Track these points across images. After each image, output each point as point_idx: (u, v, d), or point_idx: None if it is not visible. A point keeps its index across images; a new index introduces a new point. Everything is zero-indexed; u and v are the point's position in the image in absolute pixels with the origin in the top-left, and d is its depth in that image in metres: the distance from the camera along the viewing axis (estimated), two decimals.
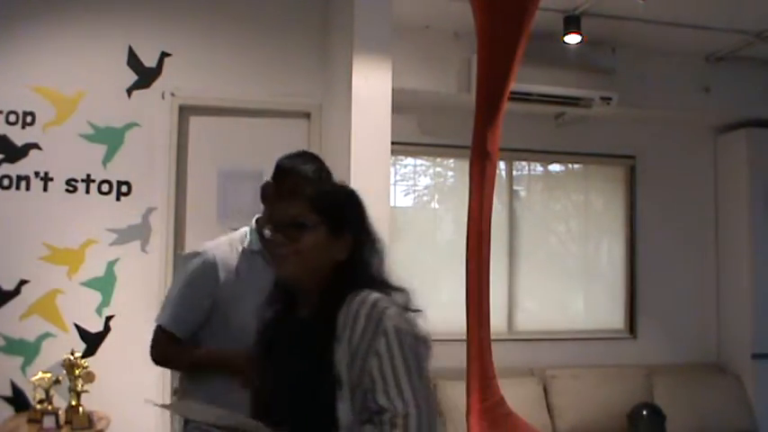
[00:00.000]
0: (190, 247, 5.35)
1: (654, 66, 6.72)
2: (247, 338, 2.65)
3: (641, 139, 7.25)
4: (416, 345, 2.27)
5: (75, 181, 5.18)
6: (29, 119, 5.15)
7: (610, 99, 6.36)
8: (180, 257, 2.99)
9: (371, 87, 4.79)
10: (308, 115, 5.58)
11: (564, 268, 7.16)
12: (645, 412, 6.39)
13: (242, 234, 3.14)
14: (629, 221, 7.29)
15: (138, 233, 5.25)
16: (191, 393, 3.05)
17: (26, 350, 5.04)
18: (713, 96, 6.90)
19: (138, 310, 5.18)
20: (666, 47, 6.61)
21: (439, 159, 6.75)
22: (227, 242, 3.09)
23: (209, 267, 3.00)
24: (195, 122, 5.46)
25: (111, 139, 5.25)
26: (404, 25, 5.54)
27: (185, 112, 5.40)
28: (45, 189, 5.14)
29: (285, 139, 5.56)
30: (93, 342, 5.14)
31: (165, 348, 3.04)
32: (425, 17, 5.92)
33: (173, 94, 5.34)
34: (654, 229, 7.23)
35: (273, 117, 5.57)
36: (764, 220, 7.05)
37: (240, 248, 3.07)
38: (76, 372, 4.75)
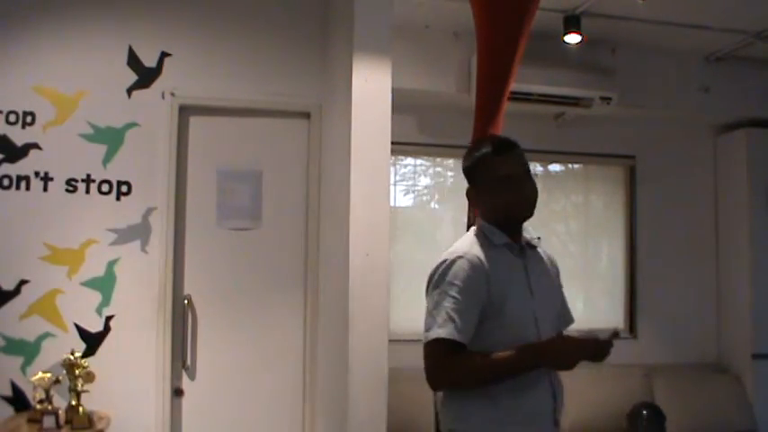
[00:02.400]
0: (190, 246, 5.37)
1: (654, 66, 6.73)
2: (523, 329, 2.93)
3: (641, 139, 7.25)
4: None
5: (75, 181, 5.18)
6: (29, 119, 5.15)
7: (609, 99, 6.36)
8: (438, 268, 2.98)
9: (371, 87, 4.78)
10: (307, 115, 5.57)
11: (564, 268, 7.08)
12: (645, 412, 6.40)
13: (472, 237, 3.09)
14: (629, 221, 7.29)
15: (138, 233, 5.25)
16: (474, 405, 2.98)
17: (26, 350, 5.04)
18: (713, 96, 6.91)
19: (139, 309, 5.20)
20: (666, 47, 6.61)
21: (439, 159, 6.75)
22: (472, 242, 3.06)
23: (476, 268, 2.95)
24: (195, 122, 5.46)
25: (111, 139, 5.25)
26: (404, 25, 5.54)
27: (185, 112, 5.40)
28: (45, 189, 5.14)
29: (285, 140, 5.58)
30: (93, 342, 5.13)
31: (454, 363, 2.93)
32: (425, 17, 5.92)
33: (173, 94, 5.33)
34: (654, 229, 7.23)
35: (273, 117, 5.57)
36: (764, 220, 7.05)
37: (484, 244, 3.04)
38: (76, 372, 4.75)
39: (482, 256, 2.97)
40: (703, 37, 6.38)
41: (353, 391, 4.59)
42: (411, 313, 6.29)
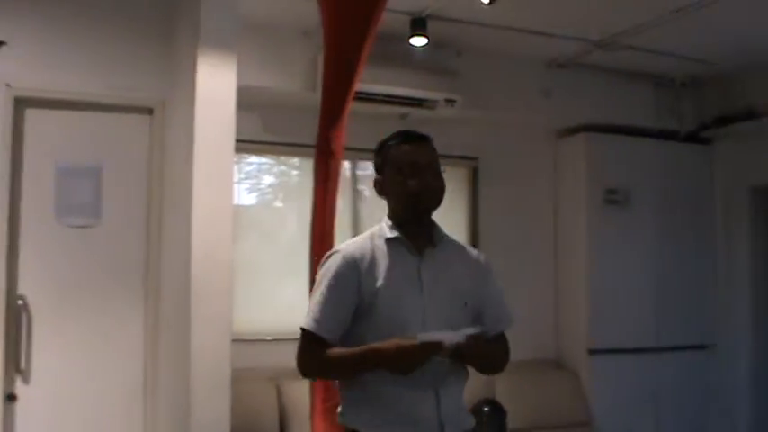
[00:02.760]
0: (26, 244, 5.18)
1: (497, 69, 6.86)
2: (401, 329, 2.82)
3: (484, 141, 7.37)
4: None
5: None
6: None
7: (454, 101, 6.46)
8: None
9: (216, 84, 4.72)
10: (150, 111, 5.44)
11: None
12: (486, 408, 6.51)
13: (377, 228, 3.09)
14: (472, 221, 7.40)
15: None
16: (354, 398, 2.98)
17: None
18: (554, 101, 7.10)
19: None
20: (510, 52, 6.75)
21: (283, 158, 6.71)
22: (365, 237, 3.07)
23: (346, 265, 2.94)
24: (32, 116, 5.24)
25: None
26: (250, 21, 5.49)
27: (21, 104, 5.18)
28: None
29: (126, 135, 5.44)
30: None
31: (313, 354, 2.93)
32: (273, 14, 5.87)
33: (8, 86, 5.11)
34: (495, 230, 7.36)
35: (115, 112, 5.41)
36: (600, 222, 7.30)
37: (379, 239, 3.02)
38: None
39: (364, 251, 2.98)
40: (545, 43, 6.54)
41: (196, 391, 4.52)
42: (255, 313, 6.26)
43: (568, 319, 7.45)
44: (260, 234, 6.66)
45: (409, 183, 2.99)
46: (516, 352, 7.25)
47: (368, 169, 6.99)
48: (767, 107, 7.10)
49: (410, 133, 3.18)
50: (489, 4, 5.15)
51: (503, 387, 6.84)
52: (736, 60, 6.99)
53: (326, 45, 4.47)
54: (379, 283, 2.91)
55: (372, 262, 2.95)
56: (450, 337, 2.79)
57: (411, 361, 2.74)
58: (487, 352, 3.04)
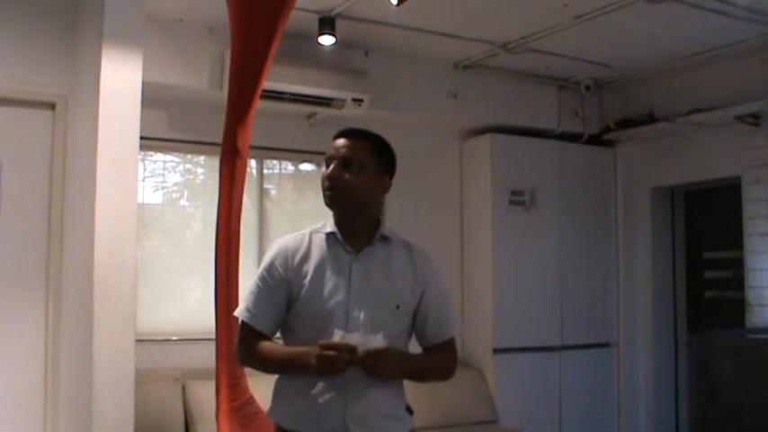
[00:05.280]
0: None
1: (405, 70, 6.90)
2: (324, 326, 2.86)
3: (391, 141, 7.28)
4: None
5: None
6: None
7: (361, 101, 6.46)
8: None
9: (121, 80, 4.66)
10: (53, 106, 5.33)
11: None
12: None
13: (321, 224, 3.11)
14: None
15: None
16: (277, 391, 3.05)
17: None
18: (460, 102, 7.16)
19: None
20: (417, 52, 6.79)
21: (189, 156, 6.63)
22: (306, 231, 3.09)
23: (278, 255, 3.01)
24: None
25: None
26: (156, 17, 5.42)
27: None
28: None
29: (28, 130, 5.33)
30: None
31: (247, 345, 3.03)
32: (179, 10, 5.80)
33: None
34: (401, 229, 7.19)
35: (15, 106, 5.29)
36: (505, 223, 7.38)
37: (317, 234, 3.06)
38: None
39: (299, 244, 3.04)
40: (452, 45, 6.60)
41: (98, 392, 4.46)
42: (160, 313, 6.18)
43: (474, 318, 7.51)
44: (165, 233, 6.58)
45: (323, 176, 3.05)
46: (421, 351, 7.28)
47: (274, 168, 6.97)
48: (667, 111, 7.29)
49: (345, 129, 3.23)
50: (398, 5, 5.17)
51: (409, 386, 6.82)
52: (638, 65, 7.17)
53: (234, 42, 4.44)
54: (308, 277, 2.95)
55: (305, 255, 3.00)
56: (362, 342, 2.81)
57: (331, 369, 2.79)
58: (394, 365, 2.92)
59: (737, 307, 6.87)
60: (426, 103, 7.07)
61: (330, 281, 2.95)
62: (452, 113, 7.23)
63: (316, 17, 5.89)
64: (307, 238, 3.06)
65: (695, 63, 6.91)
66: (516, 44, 6.54)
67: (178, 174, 6.67)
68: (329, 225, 3.06)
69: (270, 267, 3.01)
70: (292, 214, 7.12)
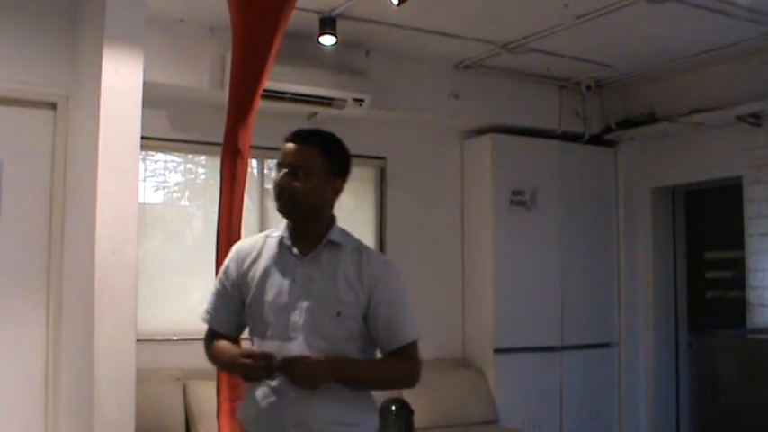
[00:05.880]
0: None
1: (406, 70, 6.90)
2: (265, 323, 2.93)
3: (392, 141, 7.40)
4: None
5: None
6: None
7: (362, 101, 6.46)
8: None
9: (122, 79, 4.66)
10: (53, 106, 5.33)
11: None
12: (393, 407, 6.51)
13: (275, 228, 3.14)
14: (379, 221, 7.42)
15: None
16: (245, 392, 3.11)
17: None
18: (461, 102, 7.16)
19: None
20: (418, 52, 6.79)
21: (190, 156, 6.63)
22: (262, 234, 3.15)
23: (233, 258, 3.11)
24: None
25: None
26: (158, 17, 5.42)
27: None
28: None
29: (29, 130, 5.32)
30: None
31: (206, 344, 3.15)
32: (180, 10, 5.81)
33: None
34: (403, 229, 7.39)
35: (16, 106, 5.28)
36: (506, 222, 7.38)
37: (271, 237, 3.09)
38: None
39: (253, 247, 3.09)
40: (453, 45, 6.60)
41: (99, 392, 4.46)
42: (161, 313, 6.18)
43: (475, 318, 7.52)
44: (166, 233, 6.58)
45: (274, 181, 3.06)
46: (423, 351, 7.30)
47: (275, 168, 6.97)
48: (667, 111, 7.29)
49: (294, 133, 3.18)
50: (399, 4, 5.17)
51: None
52: (639, 65, 7.17)
53: (235, 43, 4.44)
54: (255, 280, 3.00)
55: (256, 259, 3.05)
56: (278, 350, 2.81)
57: (249, 376, 2.88)
58: (315, 373, 2.82)
59: (738, 307, 6.87)
60: (427, 103, 7.07)
61: (274, 285, 2.98)
62: (453, 113, 7.23)
63: (317, 17, 5.88)
64: (260, 242, 3.11)
65: (696, 63, 6.90)
66: (517, 44, 6.54)
67: (179, 174, 6.68)
68: (280, 229, 3.09)
69: (225, 270, 3.11)
70: None
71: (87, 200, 4.70)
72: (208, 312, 3.11)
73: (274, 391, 2.92)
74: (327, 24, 5.92)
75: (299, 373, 2.77)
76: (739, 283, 6.94)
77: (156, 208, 6.57)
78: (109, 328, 4.48)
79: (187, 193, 6.76)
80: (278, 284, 2.97)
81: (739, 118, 6.65)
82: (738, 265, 6.97)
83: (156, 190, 6.53)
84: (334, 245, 3.03)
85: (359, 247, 3.09)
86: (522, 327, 7.38)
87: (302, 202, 2.98)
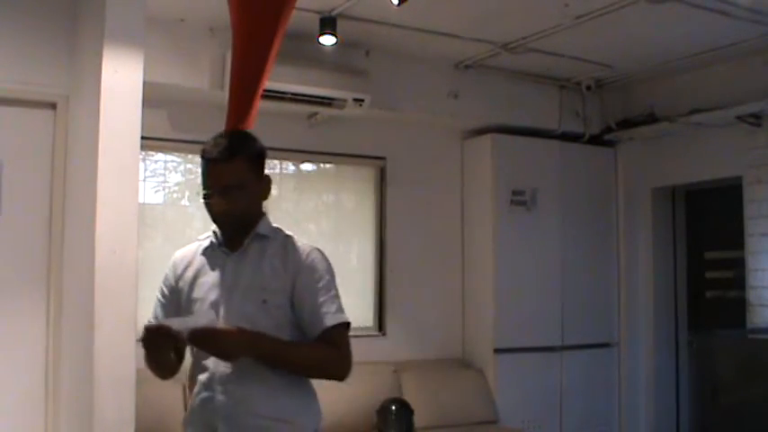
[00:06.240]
0: None
1: (406, 70, 6.90)
2: (212, 308, 2.96)
3: (392, 141, 7.40)
4: None
5: None
6: None
7: (362, 101, 6.47)
8: None
9: (121, 79, 4.66)
10: (53, 106, 5.33)
11: None
12: (394, 407, 6.53)
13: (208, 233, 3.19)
14: (379, 221, 7.42)
15: None
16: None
17: None
18: (461, 102, 7.17)
19: None
20: (418, 52, 6.80)
21: (190, 156, 6.62)
22: (201, 238, 3.21)
23: (170, 266, 3.20)
24: None
25: None
26: (157, 17, 5.42)
27: None
28: None
29: (28, 130, 5.32)
30: None
31: None
32: (180, 10, 5.81)
33: None
34: (403, 230, 7.40)
35: (16, 106, 5.27)
36: (506, 223, 7.39)
37: (205, 239, 3.16)
38: None
39: (188, 252, 3.20)
40: (453, 45, 6.60)
41: (99, 393, 4.46)
42: None
43: (475, 318, 7.53)
44: (166, 233, 6.58)
45: (206, 203, 3.04)
46: (423, 351, 7.35)
47: (275, 168, 6.97)
48: (668, 111, 7.29)
49: (210, 153, 3.03)
50: (399, 4, 5.17)
51: (410, 386, 6.89)
52: (639, 65, 7.18)
53: (235, 42, 4.44)
54: (188, 283, 3.08)
55: (189, 263, 3.13)
56: (181, 323, 2.79)
57: (147, 351, 2.90)
58: (232, 342, 2.78)
59: (738, 307, 6.87)
60: (427, 103, 7.08)
61: (205, 284, 3.04)
62: (453, 113, 7.24)
63: (317, 17, 5.88)
64: (194, 247, 3.19)
65: (696, 63, 6.91)
66: (517, 44, 6.54)
67: (179, 174, 6.68)
68: (210, 232, 3.15)
69: (164, 278, 3.19)
70: (293, 214, 7.12)
71: (87, 200, 4.70)
72: (150, 321, 3.11)
73: (205, 386, 2.96)
74: (327, 24, 5.92)
75: (208, 339, 2.76)
76: (739, 282, 6.95)
77: (156, 208, 6.57)
78: (109, 329, 4.48)
79: (187, 193, 6.75)
80: (208, 282, 3.03)
81: (739, 118, 6.65)
82: (738, 265, 6.97)
83: (156, 190, 6.53)
84: (262, 237, 3.06)
85: (287, 238, 3.12)
86: (522, 327, 7.38)
87: (243, 215, 3.03)
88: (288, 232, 3.15)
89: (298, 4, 4.34)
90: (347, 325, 3.04)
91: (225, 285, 2.99)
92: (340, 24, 5.95)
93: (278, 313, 2.94)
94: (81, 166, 5.00)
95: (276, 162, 6.99)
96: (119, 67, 4.65)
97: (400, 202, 7.41)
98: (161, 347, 2.84)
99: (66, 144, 5.31)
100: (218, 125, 4.35)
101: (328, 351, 2.97)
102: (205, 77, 6.07)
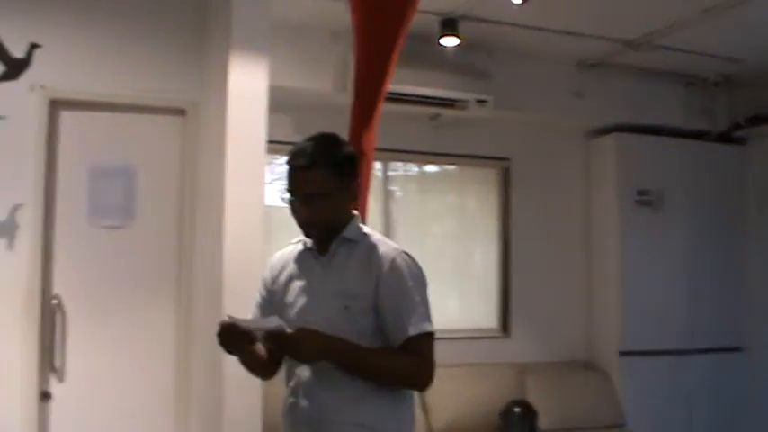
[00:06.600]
0: (60, 245, 5.22)
1: (529, 70, 6.86)
2: (289, 320, 2.89)
3: (515, 142, 7.37)
4: None
5: None
6: None
7: (485, 101, 6.45)
8: None
9: (248, 85, 4.75)
10: (183, 112, 5.48)
11: (439, 269, 7.21)
12: (517, 409, 6.50)
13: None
14: (503, 223, 7.40)
15: (3, 230, 5.06)
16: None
17: None
18: (585, 101, 7.09)
19: (4, 309, 5.02)
20: (541, 52, 6.74)
21: None
22: (298, 240, 3.23)
23: (268, 268, 3.26)
24: (66, 117, 5.30)
25: None
26: (281, 23, 5.51)
27: (56, 106, 5.23)
28: None
29: (160, 136, 5.48)
30: None
31: None
32: (303, 16, 5.89)
33: (42, 87, 5.15)
34: (527, 231, 7.36)
35: (147, 113, 5.45)
36: (632, 223, 7.27)
37: (301, 243, 3.19)
38: None
39: (283, 256, 3.24)
40: (577, 43, 6.52)
41: (228, 390, 4.54)
42: None
43: (600, 320, 7.43)
44: (291, 235, 6.65)
45: (294, 211, 3.06)
46: (548, 353, 7.28)
47: (399, 170, 7.01)
48: None
49: (295, 159, 3.03)
50: (521, 4, 5.14)
51: (534, 388, 6.85)
52: None
53: (357, 46, 4.48)
54: (282, 285, 3.12)
55: (284, 266, 3.17)
56: (252, 323, 2.87)
57: (221, 344, 2.87)
58: (311, 345, 2.76)
59: None
60: (550, 102, 7.02)
61: (296, 288, 3.05)
62: (577, 113, 7.16)
63: (438, 19, 5.90)
64: (290, 249, 3.23)
65: None
66: (642, 41, 6.42)
67: None
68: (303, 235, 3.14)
69: (262, 281, 3.23)
70: (417, 216, 7.15)
71: (215, 202, 4.80)
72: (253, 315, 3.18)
73: (291, 391, 2.98)
74: (449, 26, 5.93)
75: (284, 339, 2.75)
76: None
77: (282, 211, 6.64)
78: None
79: None
80: (298, 286, 3.05)
81: None
82: None
83: (281, 193, 6.62)
84: (349, 241, 3.01)
85: (375, 243, 3.01)
86: (648, 329, 7.25)
87: (328, 223, 3.00)
88: (377, 236, 3.08)
89: (419, 6, 4.36)
90: (431, 334, 2.92)
91: (311, 290, 3.00)
92: (461, 25, 5.95)
93: (361, 319, 2.88)
94: (209, 170, 5.12)
95: (399, 164, 7.04)
96: (245, 73, 4.74)
97: (524, 202, 7.38)
98: (235, 345, 2.88)
99: (195, 149, 5.45)
100: (342, 128, 4.40)
101: (408, 361, 2.87)
102: (328, 81, 6.15)
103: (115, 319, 5.31)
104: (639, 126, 7.38)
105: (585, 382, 7.14)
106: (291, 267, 3.12)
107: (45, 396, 5.13)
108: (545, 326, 7.32)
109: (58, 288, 5.21)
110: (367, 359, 2.85)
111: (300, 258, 3.13)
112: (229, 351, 2.91)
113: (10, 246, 5.07)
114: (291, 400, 2.97)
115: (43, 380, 5.13)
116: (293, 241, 3.22)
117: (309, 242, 3.10)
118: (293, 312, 2.99)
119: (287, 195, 3.05)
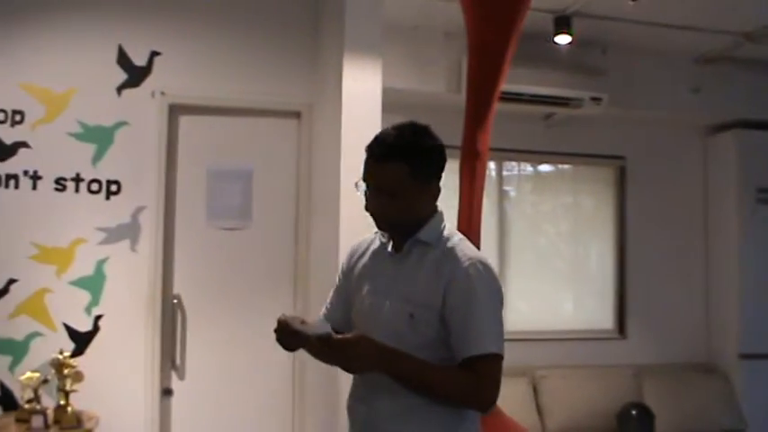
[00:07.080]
0: (180, 246, 5.36)
1: (644, 66, 6.75)
2: (354, 320, 2.92)
3: (631, 140, 7.27)
4: None
5: (65, 180, 5.15)
6: (18, 117, 5.11)
7: (600, 99, 6.38)
8: None
9: (361, 87, 4.78)
10: (298, 114, 5.57)
11: (553, 269, 7.18)
12: (634, 412, 6.41)
13: None
14: (619, 222, 7.30)
15: (127, 232, 5.23)
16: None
17: (14, 350, 5.01)
18: (703, 97, 6.93)
19: (128, 309, 5.18)
20: (656, 48, 6.63)
21: None
22: (373, 233, 3.02)
23: (347, 255, 3.09)
24: (185, 122, 5.44)
25: (100, 137, 5.22)
26: (394, 25, 5.54)
27: (175, 111, 5.38)
28: (34, 188, 5.11)
29: (275, 139, 5.57)
30: (81, 341, 5.11)
31: None
32: (415, 17, 5.92)
33: (162, 93, 5.31)
34: (643, 230, 7.25)
35: (263, 116, 5.56)
36: (753, 221, 7.09)
37: (381, 236, 2.95)
38: (65, 371, 4.74)
39: (362, 245, 3.03)
40: (693, 38, 6.39)
41: (343, 390, 4.57)
42: None
43: (719, 322, 7.26)
44: None
45: (367, 200, 2.80)
46: (665, 355, 7.15)
47: (513, 170, 6.98)
48: None
49: (373, 146, 2.84)
50: (634, 0, 5.07)
51: (651, 391, 6.74)
52: None
53: (471, 46, 4.48)
54: (357, 276, 2.97)
55: (362, 255, 3.00)
56: (308, 327, 2.66)
57: (286, 346, 2.85)
58: (362, 354, 2.58)
59: None
60: (667, 99, 6.89)
61: (367, 283, 2.89)
62: (694, 109, 7.02)
63: (551, 17, 5.86)
64: (369, 239, 3.02)
65: None
66: (762, 33, 6.24)
67: None
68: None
69: (341, 267, 3.09)
70: (531, 215, 7.12)
71: (331, 205, 4.85)
72: (326, 306, 3.13)
73: (351, 394, 2.93)
74: (562, 23, 5.88)
75: (332, 348, 2.58)
76: None
77: None
78: None
79: None
80: (370, 282, 2.88)
81: None
82: None
83: None
84: (423, 243, 2.79)
85: (450, 248, 2.77)
86: None
87: (396, 222, 2.79)
88: (456, 239, 2.83)
89: (532, 5, 4.34)
90: (497, 356, 2.67)
91: (381, 289, 2.82)
92: (575, 23, 5.89)
93: (427, 331, 2.69)
94: (324, 172, 5.17)
95: (514, 164, 7.01)
96: (358, 75, 4.78)
97: (640, 202, 7.27)
98: (290, 343, 2.81)
99: (310, 151, 5.53)
100: (456, 129, 4.42)
101: (466, 380, 2.63)
102: (441, 82, 6.16)
103: (233, 318, 5.43)
104: (761, 121, 7.17)
105: (704, 385, 6.99)
106: (367, 259, 2.95)
107: (167, 392, 5.28)
108: (662, 327, 7.20)
109: (178, 288, 5.36)
110: (421, 374, 2.64)
111: (377, 252, 2.93)
112: (287, 348, 2.88)
113: (133, 247, 5.23)
114: (350, 402, 2.92)
115: (165, 377, 5.28)
116: (376, 231, 2.96)
117: (385, 236, 2.90)
118: (361, 308, 2.89)
119: (362, 184, 2.80)
